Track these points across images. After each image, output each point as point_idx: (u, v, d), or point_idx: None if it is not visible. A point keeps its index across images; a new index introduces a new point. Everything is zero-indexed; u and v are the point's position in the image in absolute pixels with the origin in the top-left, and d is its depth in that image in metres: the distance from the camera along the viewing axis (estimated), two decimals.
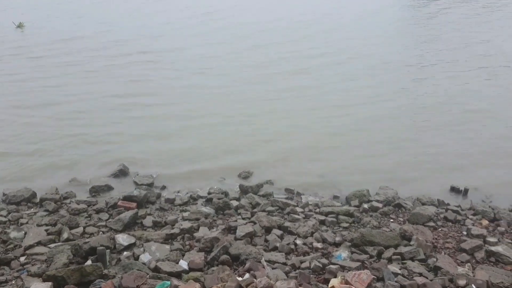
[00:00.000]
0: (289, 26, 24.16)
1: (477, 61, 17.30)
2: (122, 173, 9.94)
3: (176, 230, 7.64)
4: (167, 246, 7.19)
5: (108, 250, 6.77)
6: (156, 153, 10.93)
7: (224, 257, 6.67)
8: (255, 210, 8.44)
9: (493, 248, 7.05)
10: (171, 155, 10.83)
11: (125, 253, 7.01)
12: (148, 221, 8.08)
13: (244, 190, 9.24)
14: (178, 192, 9.37)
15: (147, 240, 7.35)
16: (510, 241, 7.43)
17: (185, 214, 8.29)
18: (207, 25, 25.03)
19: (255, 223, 7.79)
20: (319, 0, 30.39)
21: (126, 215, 7.96)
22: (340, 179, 9.85)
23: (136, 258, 6.86)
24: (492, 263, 6.86)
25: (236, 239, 7.30)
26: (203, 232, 7.54)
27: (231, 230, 7.68)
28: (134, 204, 8.50)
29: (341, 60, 17.76)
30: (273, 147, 11.19)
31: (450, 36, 21.12)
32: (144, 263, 6.64)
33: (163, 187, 9.52)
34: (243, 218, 8.11)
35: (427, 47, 19.40)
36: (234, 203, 8.65)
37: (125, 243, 7.20)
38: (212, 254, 6.77)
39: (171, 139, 11.69)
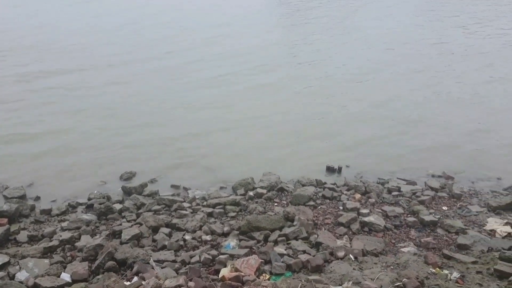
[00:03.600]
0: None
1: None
2: None
3: (55, 242, 7.15)
4: (46, 260, 6.71)
5: None
6: (25, 161, 10.07)
7: (110, 263, 6.42)
8: (140, 211, 8.22)
9: (366, 219, 7.71)
10: (42, 162, 10.06)
11: None
12: (22, 236, 7.47)
13: (127, 192, 8.93)
14: (54, 201, 8.75)
15: (23, 257, 6.79)
16: (380, 210, 8.18)
17: (64, 224, 7.78)
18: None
19: (141, 224, 7.59)
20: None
21: None
22: (226, 170, 9.98)
23: (12, 277, 6.31)
24: (366, 233, 7.50)
25: (122, 243, 7.05)
26: (85, 241, 7.15)
27: (116, 234, 7.39)
28: (4, 220, 7.73)
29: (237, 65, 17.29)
30: (154, 144, 10.97)
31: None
32: (21, 282, 6.15)
33: (37, 198, 8.82)
34: (128, 221, 7.85)
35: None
36: (118, 206, 8.33)
37: None
38: (97, 262, 6.47)
39: (41, 144, 10.83)
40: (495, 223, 7.74)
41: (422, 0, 27.75)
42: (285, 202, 8.62)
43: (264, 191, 8.89)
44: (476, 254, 6.74)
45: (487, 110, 12.75)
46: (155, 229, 7.47)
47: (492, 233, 7.49)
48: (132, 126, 11.89)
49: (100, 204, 8.27)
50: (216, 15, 24.62)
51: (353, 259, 6.50)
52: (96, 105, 13.16)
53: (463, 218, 7.97)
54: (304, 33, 21.35)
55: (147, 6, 26.89)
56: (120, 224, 7.72)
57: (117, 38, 20.21)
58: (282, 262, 6.34)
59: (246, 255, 6.55)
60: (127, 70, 16.15)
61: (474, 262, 6.42)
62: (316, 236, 7.15)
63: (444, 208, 8.35)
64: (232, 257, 6.54)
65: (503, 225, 7.66)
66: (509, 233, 7.40)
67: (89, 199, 8.71)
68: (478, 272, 6.13)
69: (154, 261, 6.45)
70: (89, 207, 8.41)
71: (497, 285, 5.78)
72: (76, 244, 7.12)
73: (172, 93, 14.16)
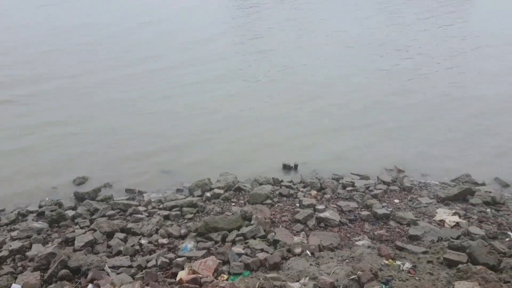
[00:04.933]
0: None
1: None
2: None
3: (4, 253, 6.89)
4: None
5: None
6: None
7: (63, 271, 6.25)
8: (94, 216, 8.04)
9: (321, 215, 7.84)
10: None
11: None
12: None
13: (80, 198, 8.71)
14: (3, 210, 8.43)
15: None
16: (335, 206, 8.34)
17: (14, 233, 7.51)
18: None
19: (95, 230, 7.42)
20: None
21: None
22: (182, 171, 9.91)
23: None
24: (322, 228, 7.63)
25: (75, 250, 6.87)
26: (37, 249, 6.93)
27: (69, 242, 7.19)
28: None
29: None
30: (107, 148, 10.73)
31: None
32: None
33: None
34: (82, 227, 7.65)
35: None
36: (70, 212, 8.11)
37: None
38: (49, 271, 6.27)
39: None
40: (444, 214, 8.06)
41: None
42: (242, 201, 8.64)
43: (221, 191, 8.88)
44: (426, 244, 7.01)
45: (437, 106, 13.20)
46: (109, 235, 7.31)
47: (441, 223, 7.80)
48: (83, 130, 11.56)
49: (52, 211, 8.04)
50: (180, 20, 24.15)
51: (309, 255, 6.60)
52: (42, 110, 12.71)
53: (414, 210, 8.25)
54: (265, 31, 21.39)
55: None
56: (73, 231, 7.51)
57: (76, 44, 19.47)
58: (240, 261, 6.35)
59: (203, 256, 6.51)
60: (82, 76, 15.62)
61: (424, 252, 6.68)
62: (273, 234, 7.20)
63: (396, 201, 8.62)
64: (190, 259, 6.50)
65: (452, 215, 7.99)
66: (457, 223, 7.73)
67: (40, 206, 8.45)
68: (428, 262, 6.38)
69: (109, 267, 6.32)
70: (40, 215, 8.17)
71: (447, 273, 6.03)
72: (27, 253, 6.89)
73: (125, 96, 13.84)
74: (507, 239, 7.25)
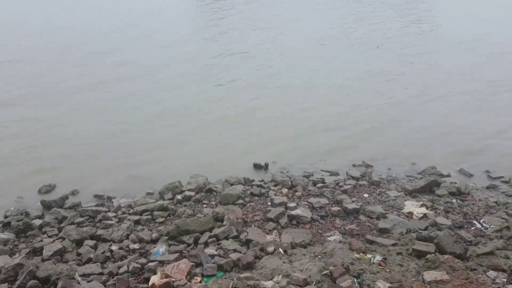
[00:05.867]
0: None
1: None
2: None
3: None
4: None
5: None
6: None
7: (32, 282, 6.08)
8: (62, 225, 7.86)
9: (293, 212, 7.90)
10: None
11: None
12: None
13: (47, 206, 8.51)
14: None
15: None
16: (306, 203, 8.42)
17: None
18: None
19: (64, 238, 7.25)
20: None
21: None
22: (152, 175, 9.79)
23: None
24: (294, 225, 7.69)
25: (43, 260, 6.70)
26: (4, 261, 6.70)
27: (37, 252, 7.00)
28: None
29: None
30: (73, 154, 10.52)
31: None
32: None
33: None
34: (50, 236, 7.46)
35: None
36: (37, 222, 7.90)
37: None
38: (17, 282, 6.10)
39: None
40: (411, 206, 8.26)
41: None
42: (214, 203, 8.61)
43: (193, 193, 8.82)
44: (396, 237, 7.15)
45: (404, 105, 13.52)
46: (79, 242, 7.16)
47: (409, 215, 7.99)
48: (47, 137, 11.28)
49: (18, 221, 7.81)
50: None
51: (282, 252, 6.63)
52: (4, 119, 12.32)
53: (382, 204, 8.41)
54: (233, 34, 21.36)
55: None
56: (41, 241, 7.32)
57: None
58: (213, 263, 6.33)
59: (176, 260, 6.46)
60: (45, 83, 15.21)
61: (394, 244, 6.81)
62: (246, 233, 7.20)
63: (365, 195, 8.77)
64: (162, 263, 6.43)
65: (419, 207, 8.19)
66: (424, 214, 7.93)
67: (5, 216, 8.19)
68: (398, 254, 6.51)
69: (80, 275, 6.19)
70: (5, 225, 7.92)
71: (416, 264, 6.17)
72: None
73: (92, 103, 13.55)
74: (473, 228, 7.50)
